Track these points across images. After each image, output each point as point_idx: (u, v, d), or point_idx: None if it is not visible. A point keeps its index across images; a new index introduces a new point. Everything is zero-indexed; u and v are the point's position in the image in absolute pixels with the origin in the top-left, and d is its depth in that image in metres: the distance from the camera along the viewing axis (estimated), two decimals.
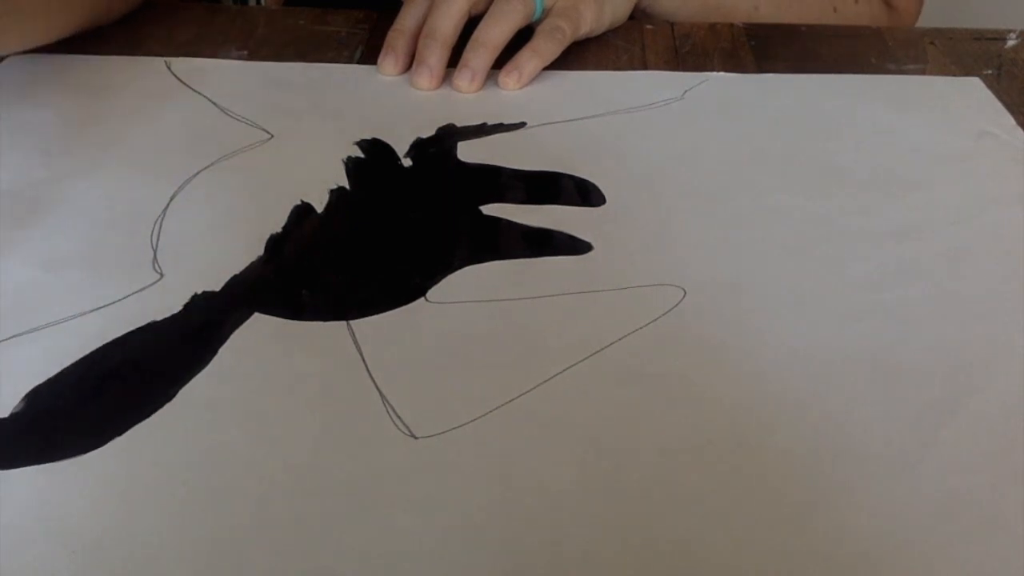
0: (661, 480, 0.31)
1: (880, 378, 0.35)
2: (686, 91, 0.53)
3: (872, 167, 0.47)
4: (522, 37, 0.53)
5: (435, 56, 0.51)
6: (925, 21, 0.61)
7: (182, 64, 0.54)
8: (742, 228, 0.42)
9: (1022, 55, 0.57)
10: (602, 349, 0.36)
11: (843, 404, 0.34)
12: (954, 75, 0.55)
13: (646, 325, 0.37)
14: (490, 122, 0.50)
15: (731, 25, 0.60)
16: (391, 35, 0.54)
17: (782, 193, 0.45)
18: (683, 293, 0.38)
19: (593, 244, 0.41)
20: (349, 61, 0.55)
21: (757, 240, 0.42)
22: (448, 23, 0.51)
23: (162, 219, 0.42)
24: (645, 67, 0.56)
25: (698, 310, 0.38)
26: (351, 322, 0.37)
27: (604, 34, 0.58)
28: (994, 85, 0.54)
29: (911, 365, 0.35)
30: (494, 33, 0.51)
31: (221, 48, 0.56)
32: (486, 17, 0.52)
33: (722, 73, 0.54)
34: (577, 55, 0.56)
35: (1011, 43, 0.58)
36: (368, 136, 0.48)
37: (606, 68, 0.55)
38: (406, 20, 0.54)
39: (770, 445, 0.32)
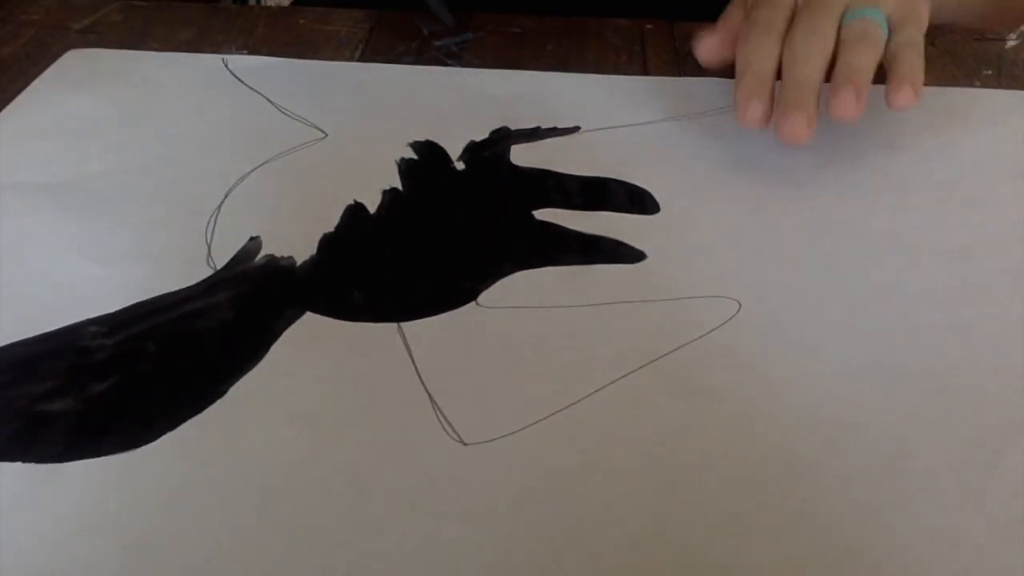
0: (711, 498, 0.30)
1: (942, 399, 0.34)
2: None
3: (934, 181, 0.46)
4: None
5: (813, 101, 0.45)
6: None
7: (239, 61, 0.54)
8: (799, 240, 0.42)
9: (1022, 55, 0.56)
10: (654, 360, 0.35)
11: (904, 425, 0.33)
12: (953, 75, 0.54)
13: (699, 337, 0.36)
14: (544, 126, 0.49)
15: None
16: (752, 80, 0.46)
17: (841, 205, 0.44)
18: (738, 306, 0.38)
19: (647, 253, 0.41)
20: (349, 61, 0.55)
21: (815, 253, 0.41)
22: (819, 69, 0.46)
23: (217, 215, 0.42)
24: (645, 67, 0.55)
25: (753, 324, 0.37)
26: (402, 324, 0.37)
27: (604, 34, 0.58)
28: (994, 85, 0.53)
29: (974, 386, 0.34)
30: (866, 61, 0.45)
31: (221, 47, 0.56)
32: (849, 49, 0.46)
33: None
34: (576, 55, 0.56)
35: (1011, 43, 0.57)
36: (421, 138, 0.48)
37: (606, 68, 0.55)
38: (765, 63, 0.46)
39: (826, 465, 0.32)
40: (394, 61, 0.55)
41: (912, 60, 0.46)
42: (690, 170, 0.46)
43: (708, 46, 0.50)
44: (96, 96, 0.51)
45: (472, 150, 0.47)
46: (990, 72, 0.55)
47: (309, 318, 0.37)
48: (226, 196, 0.44)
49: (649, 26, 0.59)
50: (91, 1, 0.61)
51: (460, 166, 0.46)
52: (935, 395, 0.34)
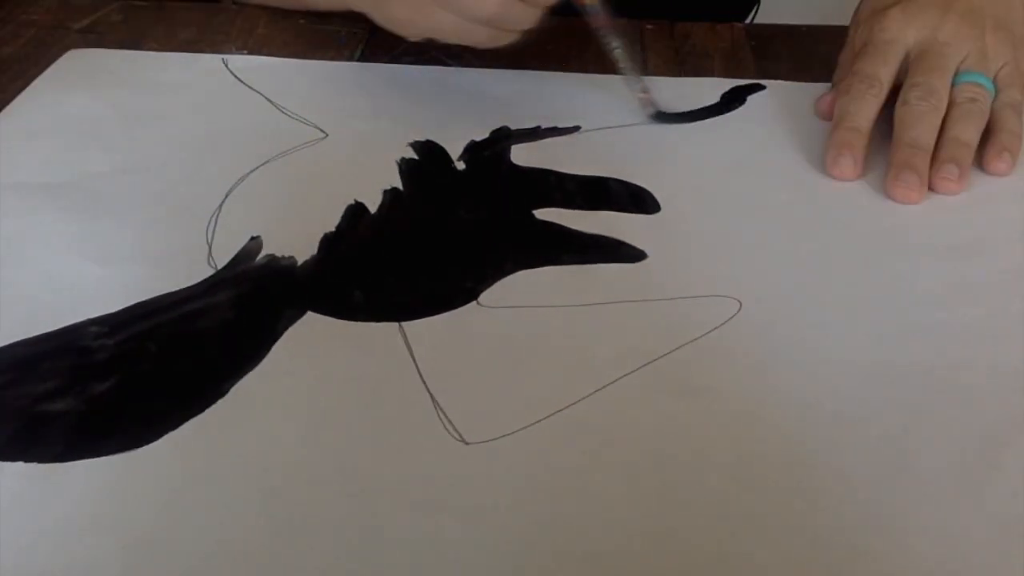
0: (712, 496, 0.30)
1: (942, 399, 0.34)
2: (745, 100, 0.52)
3: None
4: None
5: (924, 162, 0.45)
6: None
7: (239, 61, 0.54)
8: (800, 240, 0.42)
9: None
10: (655, 360, 0.35)
11: (904, 424, 0.33)
12: None
13: (700, 337, 0.36)
14: (544, 126, 0.49)
15: (731, 25, 0.59)
16: (846, 133, 0.46)
17: (842, 204, 0.44)
18: (739, 305, 0.38)
19: (647, 252, 0.41)
20: (350, 60, 0.55)
21: (815, 253, 0.41)
22: (932, 131, 0.46)
23: (217, 215, 0.42)
24: (645, 67, 0.55)
25: (754, 323, 0.37)
26: (403, 324, 0.37)
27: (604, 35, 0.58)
28: None
29: (974, 386, 0.34)
30: (972, 137, 0.46)
31: (221, 48, 0.56)
32: (957, 122, 0.46)
33: (781, 82, 0.53)
34: (576, 55, 0.56)
35: None
36: (422, 138, 0.48)
37: (606, 68, 0.55)
38: (861, 118, 0.47)
39: (827, 465, 0.32)
40: (394, 61, 0.55)
41: (1012, 126, 0.47)
42: (690, 170, 0.46)
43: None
44: (96, 96, 0.51)
45: (472, 150, 0.47)
46: None
47: (310, 318, 0.37)
48: (227, 196, 0.44)
49: (649, 26, 0.59)
50: (91, 1, 0.61)
51: (460, 166, 0.46)
52: (935, 395, 0.34)
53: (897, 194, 0.44)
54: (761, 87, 0.53)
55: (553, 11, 0.45)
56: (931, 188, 0.45)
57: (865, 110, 0.47)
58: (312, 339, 0.36)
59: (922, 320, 0.37)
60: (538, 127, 0.49)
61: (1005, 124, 0.47)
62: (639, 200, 0.44)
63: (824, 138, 0.48)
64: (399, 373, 0.35)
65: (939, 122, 0.46)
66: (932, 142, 0.45)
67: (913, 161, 0.45)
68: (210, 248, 0.40)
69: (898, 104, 0.47)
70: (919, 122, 0.46)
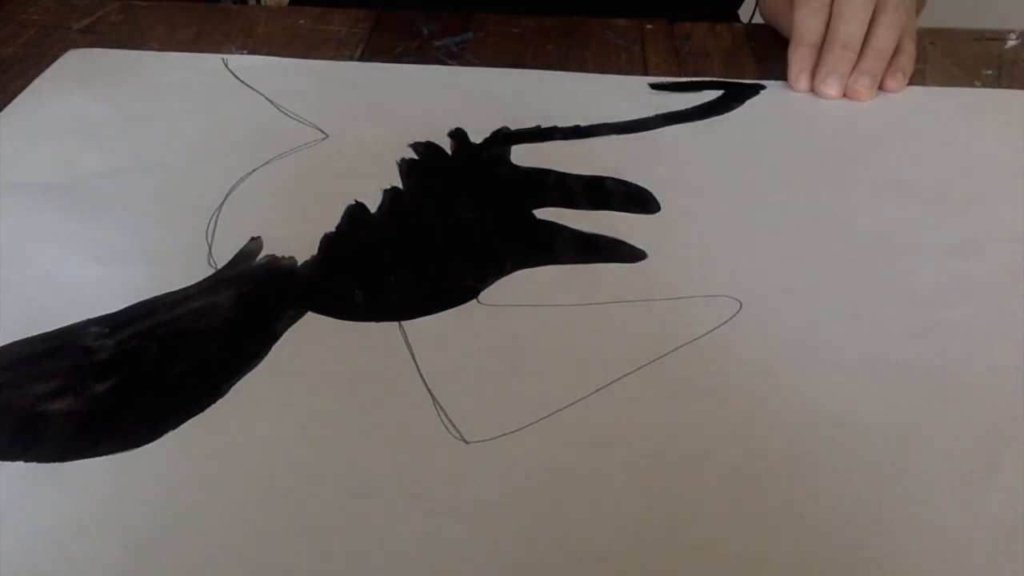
0: (712, 497, 0.30)
1: (942, 399, 0.34)
2: (745, 99, 0.52)
3: (934, 180, 0.46)
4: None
5: (849, 65, 0.52)
6: (925, 21, 0.60)
7: (239, 61, 0.54)
8: (800, 240, 0.42)
9: (1022, 55, 0.57)
10: (656, 360, 0.35)
11: (905, 423, 0.33)
12: (954, 75, 0.55)
13: (701, 337, 0.36)
14: (544, 125, 0.49)
15: (731, 25, 0.60)
16: (803, 50, 0.53)
17: (842, 205, 0.44)
18: (739, 305, 0.38)
19: (647, 252, 0.41)
20: (350, 60, 0.55)
21: (815, 252, 0.41)
22: (861, 32, 0.52)
23: (218, 215, 0.42)
24: (645, 67, 0.55)
25: (754, 323, 0.37)
26: (403, 323, 0.37)
27: (604, 34, 0.58)
28: (994, 85, 0.54)
29: (974, 386, 0.34)
30: (888, 41, 0.52)
31: (221, 47, 0.56)
32: (877, 27, 0.52)
33: (781, 82, 0.54)
34: (576, 55, 0.56)
35: (1011, 43, 0.58)
36: (422, 138, 0.48)
37: (606, 68, 0.55)
38: (813, 34, 0.53)
39: (827, 464, 0.32)
40: (394, 61, 0.55)
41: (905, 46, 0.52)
42: (690, 170, 0.46)
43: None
44: (96, 96, 0.51)
45: (473, 150, 0.47)
46: (990, 72, 0.55)
47: (310, 318, 0.37)
48: (227, 196, 0.44)
49: (649, 26, 0.59)
50: (91, 1, 0.61)
51: (460, 164, 0.46)
52: (935, 395, 0.34)
53: (824, 96, 0.52)
54: (761, 87, 0.53)
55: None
56: (847, 94, 0.52)
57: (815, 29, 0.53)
58: (312, 339, 0.36)
59: (922, 320, 0.37)
60: (538, 127, 0.49)
61: (905, 47, 0.52)
62: (639, 200, 0.44)
63: (824, 138, 0.48)
64: (399, 373, 0.35)
65: (866, 21, 0.52)
66: (858, 39, 0.52)
67: (839, 63, 0.52)
68: (210, 248, 0.40)
69: (833, 5, 0.52)
70: (848, 23, 0.51)
